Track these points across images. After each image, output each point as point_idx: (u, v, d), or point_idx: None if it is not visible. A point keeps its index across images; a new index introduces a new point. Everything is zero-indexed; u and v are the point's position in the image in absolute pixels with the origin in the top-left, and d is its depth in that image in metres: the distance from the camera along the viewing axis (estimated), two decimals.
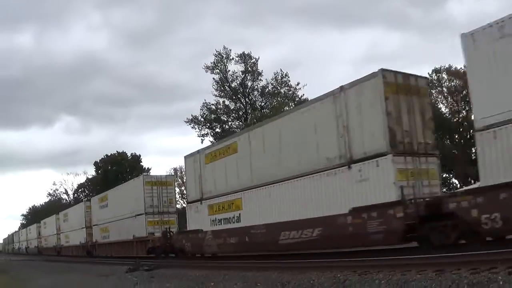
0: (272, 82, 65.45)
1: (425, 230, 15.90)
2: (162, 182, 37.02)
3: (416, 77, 18.42)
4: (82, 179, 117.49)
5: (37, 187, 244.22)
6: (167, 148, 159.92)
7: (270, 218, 21.71)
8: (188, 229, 29.11)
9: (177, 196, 64.01)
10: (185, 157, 29.44)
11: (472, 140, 64.98)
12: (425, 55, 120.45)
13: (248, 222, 23.19)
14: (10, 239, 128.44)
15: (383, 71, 17.37)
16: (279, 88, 65.46)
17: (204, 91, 65.66)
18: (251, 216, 23.06)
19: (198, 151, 28.25)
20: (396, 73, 17.71)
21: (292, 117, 21.53)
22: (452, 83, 65.74)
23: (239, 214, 23.82)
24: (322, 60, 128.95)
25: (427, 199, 16.61)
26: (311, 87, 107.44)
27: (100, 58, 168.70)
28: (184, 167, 31.70)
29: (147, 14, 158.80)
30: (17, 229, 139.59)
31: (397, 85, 17.52)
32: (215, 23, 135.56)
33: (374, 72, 17.60)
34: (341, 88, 18.77)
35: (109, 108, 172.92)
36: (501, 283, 9.27)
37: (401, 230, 16.15)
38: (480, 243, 14.40)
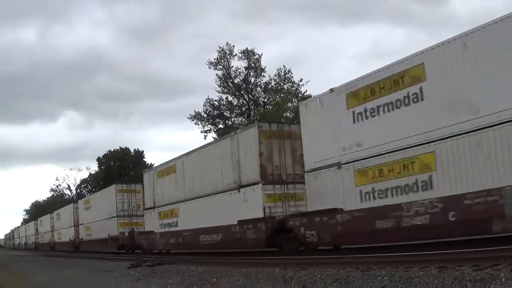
0: (275, 78, 65.48)
1: (279, 239, 22.00)
2: (132, 190, 44.53)
3: (290, 124, 25.97)
4: (85, 174, 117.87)
5: (40, 182, 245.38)
6: (170, 143, 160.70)
7: (195, 224, 28.08)
8: (145, 230, 36.47)
9: None
10: (144, 172, 37.80)
11: None
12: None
13: (182, 226, 29.83)
14: (11, 235, 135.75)
15: (259, 122, 25.18)
16: (282, 84, 65.40)
17: (208, 87, 65.80)
18: (184, 222, 29.69)
19: (152, 168, 37.19)
20: (271, 123, 24.73)
21: (208, 149, 28.66)
22: None
23: (177, 220, 30.65)
24: (326, 56, 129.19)
25: (279, 217, 22.41)
26: (315, 83, 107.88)
27: (104, 53, 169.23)
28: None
29: (151, 9, 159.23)
30: (19, 225, 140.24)
31: (270, 132, 23.90)
32: (219, 18, 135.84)
33: (253, 124, 25.73)
34: (235, 132, 26.90)
35: (113, 104, 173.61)
36: (503, 280, 9.26)
37: (264, 238, 22.43)
38: (311, 250, 20.01)
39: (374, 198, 17.26)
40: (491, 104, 13.99)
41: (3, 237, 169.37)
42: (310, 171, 20.07)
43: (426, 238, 16.13)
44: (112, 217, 43.60)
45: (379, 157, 17.13)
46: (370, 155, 17.48)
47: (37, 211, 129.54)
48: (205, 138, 65.93)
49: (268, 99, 66.60)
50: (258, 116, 56.94)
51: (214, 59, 65.15)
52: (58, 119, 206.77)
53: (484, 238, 14.55)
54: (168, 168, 32.62)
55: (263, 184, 23.66)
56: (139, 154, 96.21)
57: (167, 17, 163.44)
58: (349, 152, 18.34)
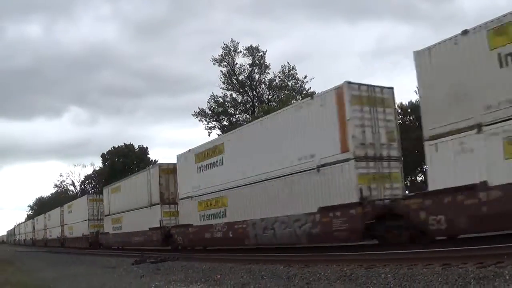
0: (279, 75, 65.41)
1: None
2: (100, 199, 51.45)
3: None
4: (89, 170, 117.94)
5: (44, 178, 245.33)
6: (175, 140, 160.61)
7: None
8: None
9: None
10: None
11: None
12: None
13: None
14: (12, 231, 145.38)
15: (160, 164, 35.81)
16: (286, 81, 65.38)
17: (213, 83, 65.78)
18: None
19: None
20: (168, 164, 34.57)
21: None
22: None
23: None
24: (331, 53, 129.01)
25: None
26: (320, 79, 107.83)
27: (109, 49, 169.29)
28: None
29: (156, 5, 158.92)
30: (23, 220, 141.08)
31: (167, 169, 34.28)
32: (224, 14, 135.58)
33: (154, 164, 36.25)
34: (148, 167, 37.65)
35: (117, 100, 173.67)
36: (507, 277, 9.25)
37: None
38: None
39: None
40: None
41: (5, 233, 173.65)
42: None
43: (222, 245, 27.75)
44: (84, 220, 53.46)
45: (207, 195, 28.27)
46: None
47: (41, 207, 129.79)
48: (209, 135, 66.08)
49: (272, 96, 66.55)
50: (262, 113, 56.89)
51: (219, 55, 65.24)
52: (63, 115, 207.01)
53: (488, 236, 14.52)
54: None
55: (161, 204, 33.52)
56: (143, 151, 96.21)
57: (172, 13, 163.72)
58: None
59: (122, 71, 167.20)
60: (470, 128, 14.80)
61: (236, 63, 65.86)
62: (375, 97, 19.42)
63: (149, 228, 34.63)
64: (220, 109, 66.09)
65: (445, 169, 15.43)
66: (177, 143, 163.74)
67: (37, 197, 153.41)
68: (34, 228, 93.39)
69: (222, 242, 27.06)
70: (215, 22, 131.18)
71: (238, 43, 65.24)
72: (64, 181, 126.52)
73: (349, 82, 18.98)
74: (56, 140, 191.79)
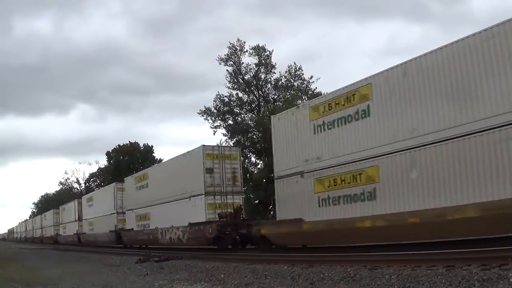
0: (285, 75, 65.28)
1: None
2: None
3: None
4: (94, 168, 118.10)
5: (49, 175, 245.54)
6: (182, 138, 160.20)
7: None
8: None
9: None
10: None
11: None
12: None
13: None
14: (11, 230, 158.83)
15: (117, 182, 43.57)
16: (292, 81, 65.24)
17: (221, 82, 65.70)
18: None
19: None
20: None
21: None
22: None
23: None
24: (341, 52, 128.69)
25: None
26: (329, 78, 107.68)
27: (119, 46, 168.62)
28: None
29: (166, 2, 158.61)
30: (27, 218, 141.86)
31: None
32: (234, 12, 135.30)
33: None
34: (116, 183, 42.68)
35: (126, 97, 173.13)
36: (511, 280, 9.25)
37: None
38: None
39: None
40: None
41: (6, 231, 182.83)
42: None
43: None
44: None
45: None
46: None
47: (45, 204, 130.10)
48: (214, 134, 66.13)
49: (278, 96, 66.35)
50: (268, 113, 56.84)
51: (225, 55, 65.06)
52: (70, 112, 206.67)
53: (492, 238, 14.48)
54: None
55: (116, 214, 43.27)
56: (149, 149, 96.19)
57: (182, 10, 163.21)
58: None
59: (131, 69, 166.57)
60: (299, 174, 21.13)
61: (242, 63, 65.78)
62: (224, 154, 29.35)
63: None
64: (226, 109, 66.01)
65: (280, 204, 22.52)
66: (185, 141, 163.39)
67: (42, 194, 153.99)
68: (26, 228, 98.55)
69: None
70: (225, 19, 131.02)
71: (244, 42, 65.12)
72: (68, 179, 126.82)
73: (204, 145, 29.09)
74: (63, 137, 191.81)
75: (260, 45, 64.90)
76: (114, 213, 43.72)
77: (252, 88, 66.48)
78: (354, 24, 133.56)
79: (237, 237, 26.46)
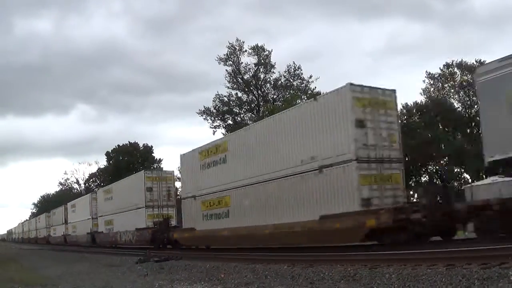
0: (284, 74, 65.39)
1: None
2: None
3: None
4: (93, 169, 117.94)
5: (49, 175, 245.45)
6: (182, 138, 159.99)
7: None
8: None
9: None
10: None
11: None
12: (447, 46, 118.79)
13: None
14: (10, 231, 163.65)
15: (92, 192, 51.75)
16: (291, 80, 65.36)
17: (222, 82, 65.69)
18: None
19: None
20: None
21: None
22: (464, 78, 65.42)
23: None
24: (341, 51, 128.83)
25: None
26: (330, 77, 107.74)
27: (119, 46, 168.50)
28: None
29: (167, 1, 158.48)
30: (27, 218, 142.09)
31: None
32: (235, 12, 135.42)
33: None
34: (91, 193, 49.04)
35: (126, 97, 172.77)
36: (511, 278, 9.24)
37: None
38: None
39: None
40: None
41: (5, 232, 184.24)
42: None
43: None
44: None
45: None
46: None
47: (45, 204, 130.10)
48: (213, 134, 66.21)
49: (278, 96, 66.53)
50: (267, 112, 56.93)
51: (224, 55, 65.19)
52: (71, 112, 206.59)
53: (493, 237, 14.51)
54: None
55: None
56: (148, 149, 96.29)
57: (183, 9, 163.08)
58: None
59: (131, 68, 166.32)
60: (193, 197, 29.51)
61: (242, 62, 65.88)
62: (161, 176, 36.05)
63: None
64: (225, 108, 66.10)
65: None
66: (185, 141, 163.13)
67: (42, 195, 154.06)
68: (23, 229, 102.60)
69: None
70: (226, 19, 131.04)
71: (243, 42, 65.28)
72: (68, 179, 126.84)
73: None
74: (63, 137, 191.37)
75: (260, 45, 65.09)
76: (90, 219, 51.56)
77: (251, 88, 66.60)
78: (355, 23, 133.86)
79: (165, 239, 33.74)
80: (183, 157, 31.52)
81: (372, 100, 19.01)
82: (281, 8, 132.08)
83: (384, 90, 19.72)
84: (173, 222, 36.67)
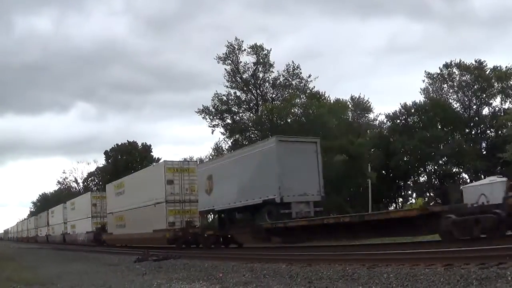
0: (283, 74, 65.30)
1: None
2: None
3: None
4: (92, 168, 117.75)
5: (48, 174, 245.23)
6: (182, 137, 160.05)
7: None
8: None
9: None
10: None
11: (482, 135, 65.66)
12: (448, 46, 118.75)
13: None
14: (6, 231, 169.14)
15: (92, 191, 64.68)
16: (290, 80, 65.28)
17: (221, 81, 65.42)
18: None
19: None
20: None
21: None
22: (463, 78, 65.45)
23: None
24: (342, 50, 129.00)
25: None
26: (330, 76, 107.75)
27: (119, 44, 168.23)
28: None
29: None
30: (26, 217, 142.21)
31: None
32: (236, 10, 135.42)
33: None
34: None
35: (126, 96, 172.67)
36: (509, 278, 9.26)
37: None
38: None
39: None
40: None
41: (2, 231, 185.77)
42: None
43: None
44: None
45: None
46: None
47: (44, 203, 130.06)
48: (212, 133, 66.24)
49: (276, 95, 66.39)
50: (266, 111, 56.87)
51: (223, 54, 65.09)
52: (70, 110, 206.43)
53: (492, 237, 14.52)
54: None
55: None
56: (147, 148, 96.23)
57: (184, 8, 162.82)
58: None
59: (131, 67, 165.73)
60: (111, 213, 44.03)
61: (240, 61, 65.75)
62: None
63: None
64: (224, 107, 65.98)
65: None
66: (184, 140, 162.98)
67: (41, 194, 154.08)
68: (17, 229, 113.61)
69: None
70: (226, 17, 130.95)
71: (242, 41, 65.15)
72: (67, 178, 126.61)
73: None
74: (62, 136, 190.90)
75: (259, 44, 64.93)
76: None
77: (250, 87, 66.38)
78: (356, 22, 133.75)
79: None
80: (108, 186, 47.23)
81: (179, 169, 33.31)
82: (282, 6, 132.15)
83: (188, 161, 40.94)
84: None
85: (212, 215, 32.64)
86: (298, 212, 22.55)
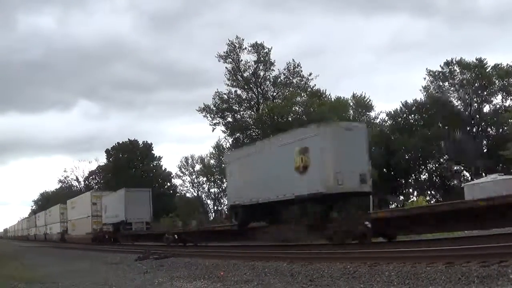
0: (284, 72, 65.32)
1: None
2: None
3: None
4: (93, 166, 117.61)
5: (50, 173, 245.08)
6: (185, 135, 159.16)
7: None
8: None
9: None
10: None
11: (483, 133, 65.56)
12: (451, 43, 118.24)
13: None
14: (6, 230, 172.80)
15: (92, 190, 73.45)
16: (291, 78, 65.30)
17: (222, 79, 65.37)
18: None
19: None
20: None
21: None
22: (464, 76, 65.33)
23: None
24: (345, 48, 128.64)
25: None
26: (332, 73, 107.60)
27: (122, 42, 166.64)
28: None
29: None
30: (27, 216, 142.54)
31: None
32: (239, 7, 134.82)
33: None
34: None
35: (129, 94, 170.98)
36: (511, 276, 9.25)
37: None
38: None
39: None
40: None
41: (2, 230, 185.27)
42: None
43: None
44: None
45: None
46: None
47: (45, 202, 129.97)
48: (213, 131, 66.15)
49: (277, 93, 66.42)
50: (267, 110, 56.95)
51: (224, 52, 65.13)
52: (73, 109, 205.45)
53: (492, 235, 14.53)
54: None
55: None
56: (148, 147, 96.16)
57: (187, 5, 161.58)
58: None
59: (134, 65, 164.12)
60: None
61: (241, 60, 65.79)
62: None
63: None
64: (225, 106, 65.98)
65: None
66: (187, 138, 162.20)
67: (42, 192, 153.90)
68: (15, 228, 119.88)
69: None
70: (229, 14, 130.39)
71: (243, 39, 65.19)
72: (68, 177, 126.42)
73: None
74: (64, 134, 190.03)
75: (259, 42, 65.00)
76: (28, 228, 71.04)
77: (251, 85, 66.44)
78: (358, 19, 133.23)
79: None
80: (68, 202, 63.85)
81: (99, 196, 53.10)
82: (285, 3, 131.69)
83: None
84: None
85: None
86: None
